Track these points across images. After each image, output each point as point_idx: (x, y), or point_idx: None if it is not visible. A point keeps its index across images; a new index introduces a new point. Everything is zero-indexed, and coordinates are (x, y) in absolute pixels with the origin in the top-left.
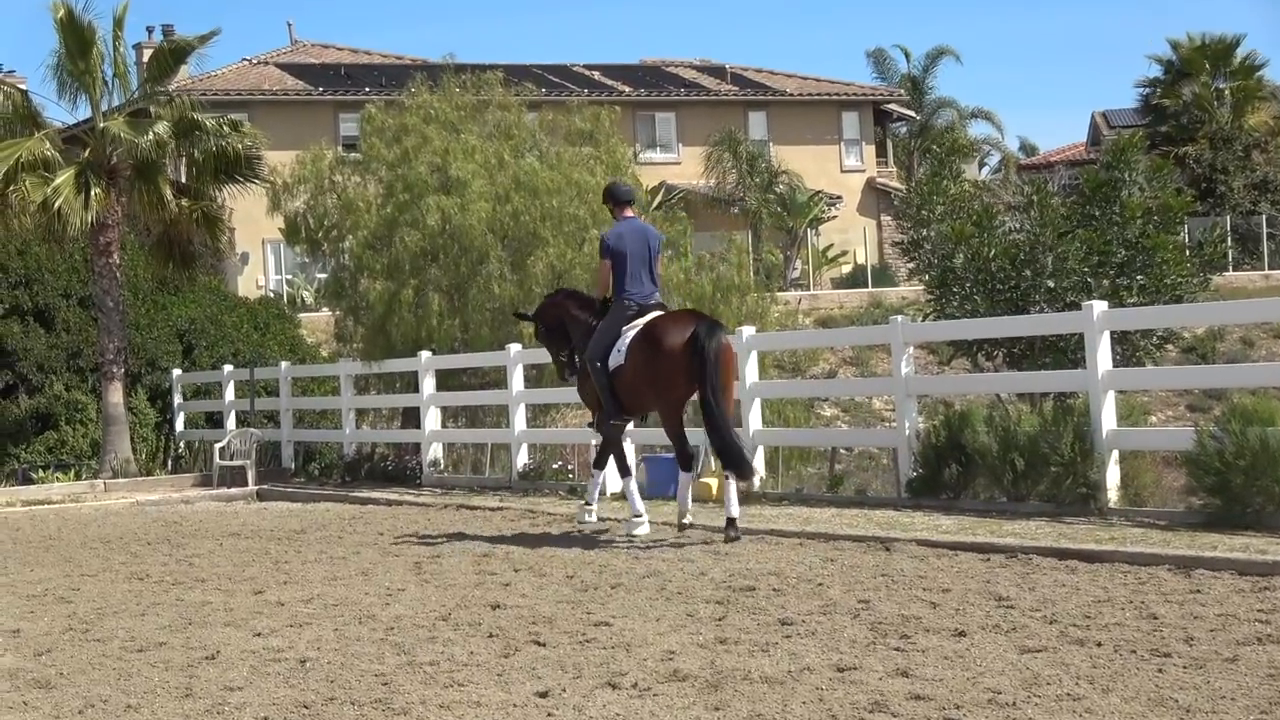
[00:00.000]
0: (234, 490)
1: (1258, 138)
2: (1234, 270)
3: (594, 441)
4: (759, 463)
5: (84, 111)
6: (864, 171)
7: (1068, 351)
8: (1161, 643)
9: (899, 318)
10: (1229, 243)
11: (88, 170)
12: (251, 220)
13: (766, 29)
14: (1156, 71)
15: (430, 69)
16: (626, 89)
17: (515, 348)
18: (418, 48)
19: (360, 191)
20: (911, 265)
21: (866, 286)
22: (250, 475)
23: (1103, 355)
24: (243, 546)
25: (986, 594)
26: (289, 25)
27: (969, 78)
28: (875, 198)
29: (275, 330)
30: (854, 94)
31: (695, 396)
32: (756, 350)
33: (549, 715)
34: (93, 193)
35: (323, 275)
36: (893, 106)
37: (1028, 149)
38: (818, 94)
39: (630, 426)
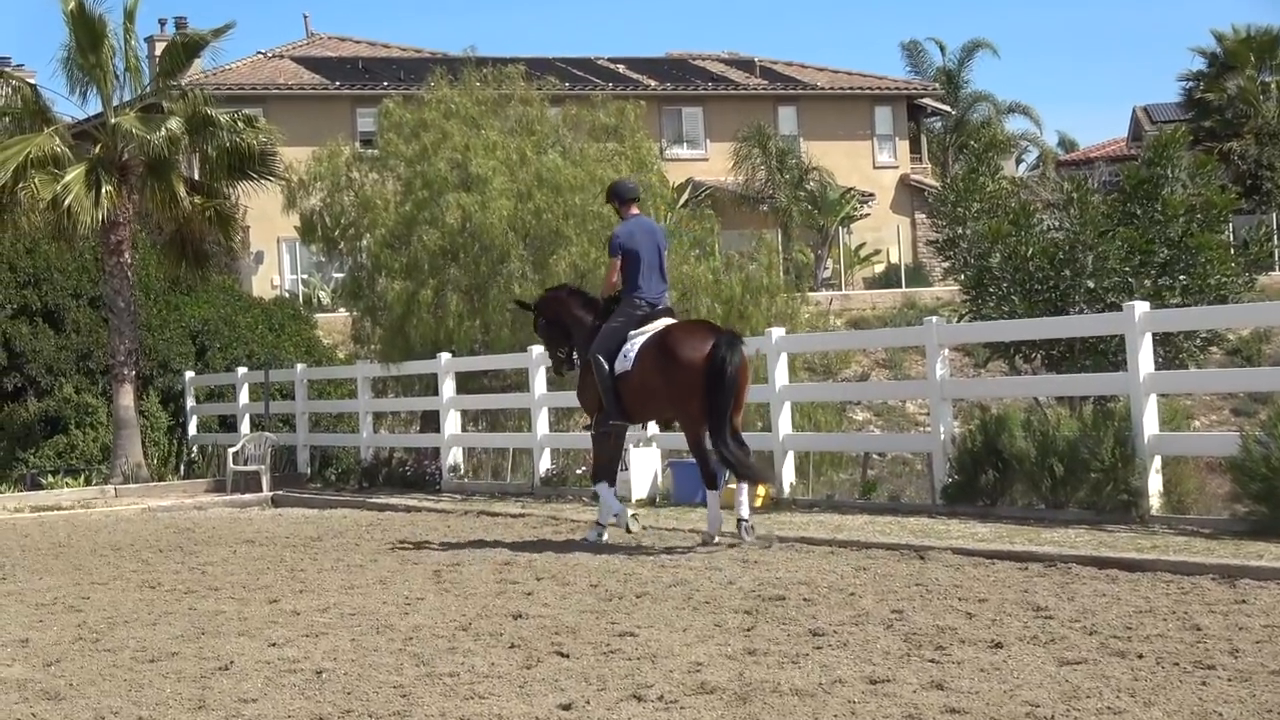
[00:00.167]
0: (248, 496)
1: None
2: None
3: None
4: (788, 468)
5: (94, 106)
6: (897, 168)
7: (1108, 354)
8: (1205, 655)
9: (934, 319)
10: (1275, 241)
11: (98, 167)
12: (266, 218)
13: (797, 21)
14: (1200, 64)
15: (450, 62)
16: (652, 83)
17: (537, 349)
18: (437, 41)
19: (378, 189)
20: (946, 265)
21: (900, 287)
22: (265, 481)
23: (1144, 358)
24: (257, 554)
25: (1024, 604)
26: (305, 18)
27: (1006, 71)
28: (909, 195)
29: (291, 331)
30: (887, 88)
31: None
32: (786, 352)
33: None
34: (103, 190)
35: (339, 275)
36: (927, 101)
37: (1067, 145)
38: (850, 88)
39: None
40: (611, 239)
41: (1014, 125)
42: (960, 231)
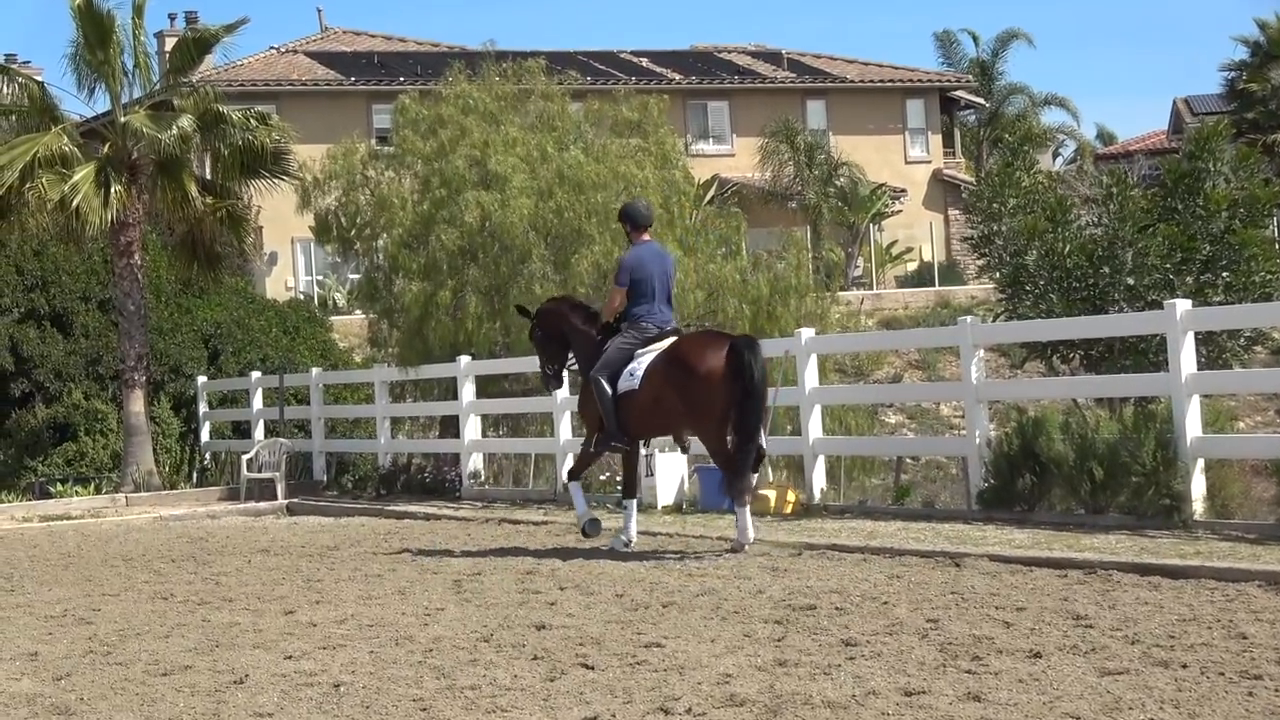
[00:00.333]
0: (263, 504)
1: None
2: None
3: (644, 452)
4: (819, 473)
5: (103, 104)
6: (930, 163)
7: (1149, 354)
8: (1251, 664)
9: (968, 318)
10: None
11: (108, 166)
12: (280, 218)
13: (825, 11)
14: (1242, 54)
15: (468, 57)
16: (677, 76)
17: None
18: (455, 34)
19: (395, 187)
20: (981, 262)
21: (933, 285)
22: (280, 488)
23: (1186, 357)
24: (272, 564)
25: (1063, 612)
26: (319, 11)
27: (1042, 62)
28: (942, 190)
29: (305, 334)
30: (919, 80)
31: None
32: (816, 354)
33: None
34: (113, 190)
35: (355, 276)
36: (960, 93)
37: (1105, 138)
38: (880, 80)
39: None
40: (620, 266)
41: (1050, 118)
42: (995, 228)
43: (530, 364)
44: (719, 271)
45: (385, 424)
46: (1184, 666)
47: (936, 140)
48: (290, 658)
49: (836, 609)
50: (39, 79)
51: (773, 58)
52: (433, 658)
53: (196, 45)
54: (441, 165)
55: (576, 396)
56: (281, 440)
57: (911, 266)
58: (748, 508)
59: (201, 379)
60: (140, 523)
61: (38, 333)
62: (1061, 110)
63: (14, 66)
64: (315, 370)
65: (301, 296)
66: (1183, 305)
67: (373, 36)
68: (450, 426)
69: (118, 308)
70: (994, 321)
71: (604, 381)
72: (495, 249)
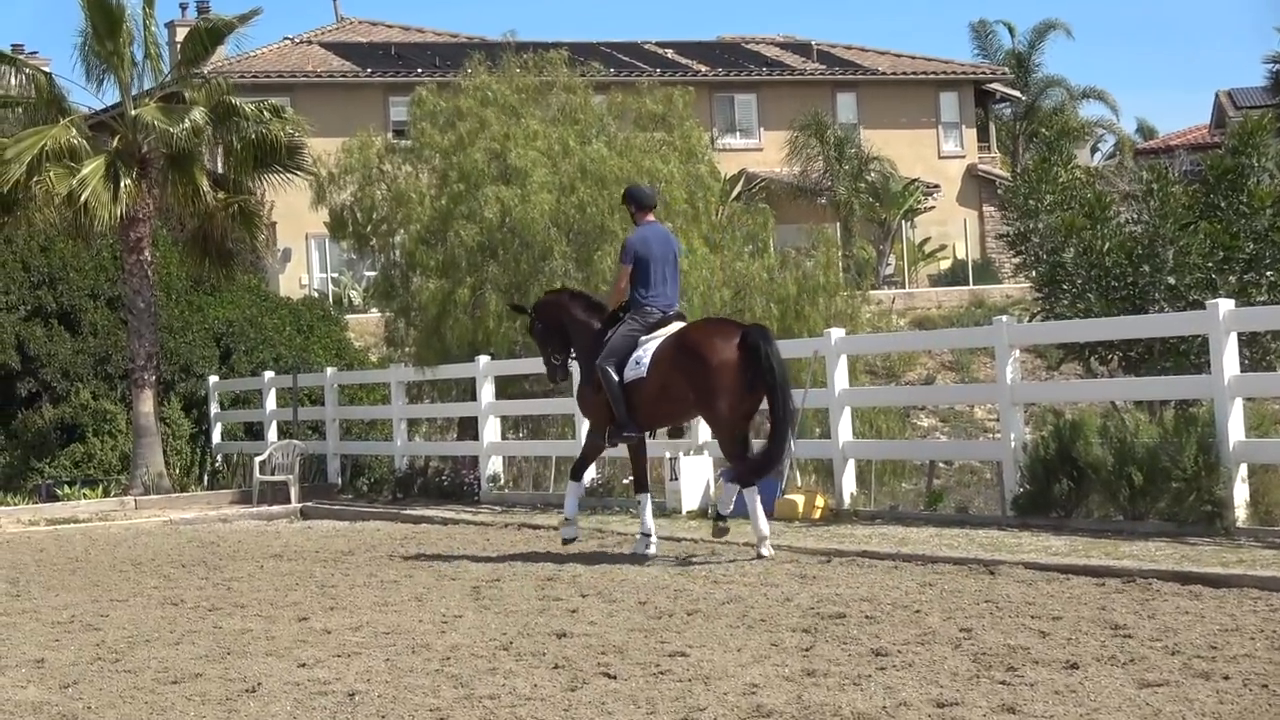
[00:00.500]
0: (275, 508)
1: None
2: None
3: (668, 455)
4: (849, 477)
5: (112, 96)
6: (964, 157)
7: (1190, 355)
8: None
9: (1003, 318)
10: None
11: (117, 160)
12: (294, 214)
13: (856, 1)
14: None
15: (488, 48)
16: (703, 68)
17: None
18: (474, 25)
19: (412, 182)
20: (1017, 260)
21: (967, 284)
22: (293, 491)
23: (1229, 359)
24: (285, 569)
25: (1101, 622)
26: (334, 1)
27: (1080, 54)
28: (977, 186)
29: (320, 333)
30: (953, 72)
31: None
32: (846, 354)
33: None
34: (122, 184)
35: (371, 273)
36: (996, 86)
37: (1145, 132)
38: (913, 72)
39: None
40: (624, 245)
41: (1089, 111)
42: (1032, 225)
43: None
44: (746, 269)
45: (402, 425)
46: (1226, 678)
47: (971, 134)
48: (304, 666)
49: (867, 617)
50: (46, 70)
51: (802, 49)
52: (450, 666)
53: (209, 35)
54: (460, 159)
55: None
56: (295, 442)
57: (945, 264)
58: (759, 499)
59: (213, 379)
60: (150, 526)
61: (45, 331)
62: (1100, 103)
63: (21, 57)
64: (330, 370)
65: (316, 294)
66: (1225, 305)
67: (389, 27)
68: (469, 428)
69: (127, 305)
70: (1030, 321)
71: (611, 370)
72: (515, 245)
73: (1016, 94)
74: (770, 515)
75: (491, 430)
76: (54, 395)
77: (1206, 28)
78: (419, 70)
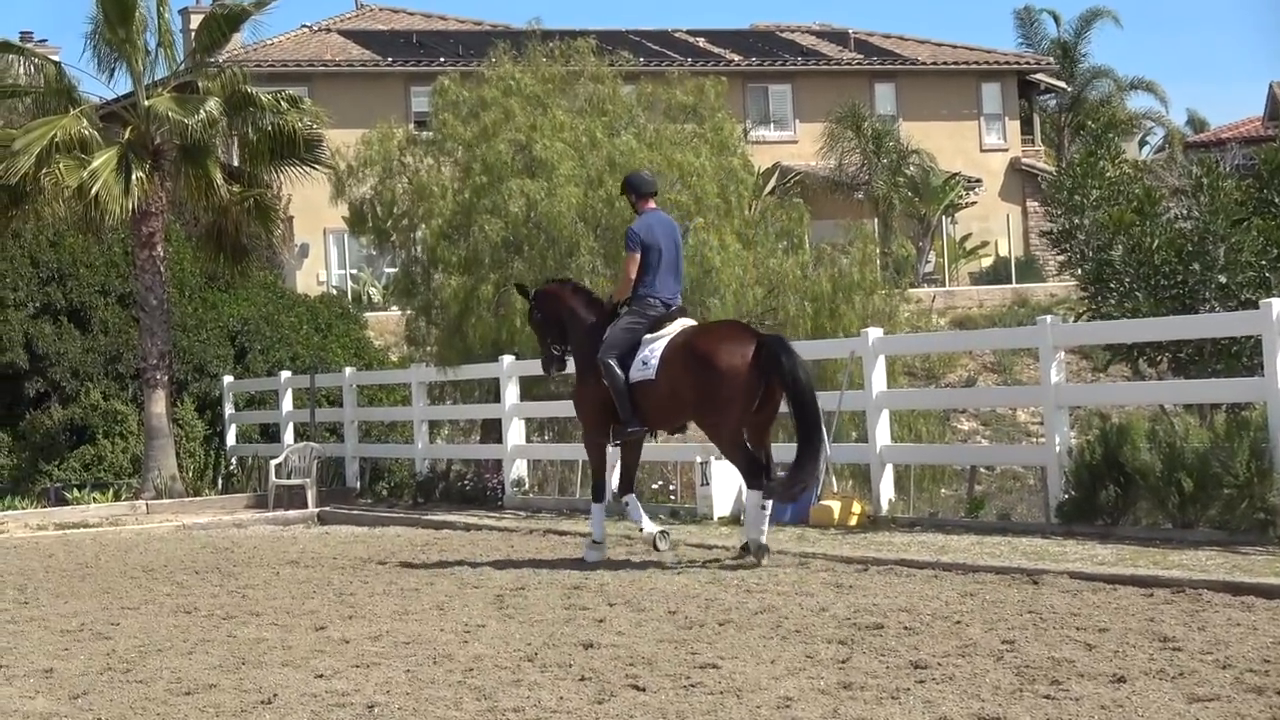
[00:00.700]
0: (292, 513)
1: None
2: None
3: (699, 459)
4: (887, 483)
5: (124, 85)
6: (1007, 151)
7: (1242, 356)
8: None
9: (1048, 318)
10: None
11: (129, 151)
12: (312, 208)
13: None
14: None
15: (513, 36)
16: (735, 58)
17: None
18: (499, 12)
19: (434, 175)
20: (1062, 258)
21: (1010, 282)
22: (310, 496)
23: None
24: (302, 576)
25: (1149, 634)
26: None
27: (1128, 43)
28: (1020, 181)
29: (338, 332)
30: (996, 62)
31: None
32: (884, 355)
33: None
34: (134, 177)
35: (392, 269)
36: (1040, 77)
37: (1196, 124)
38: (954, 62)
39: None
40: (629, 233)
41: (1137, 103)
42: (1077, 221)
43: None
44: (779, 266)
45: (423, 428)
46: (1279, 693)
47: (1014, 127)
48: (321, 676)
49: (905, 629)
50: (55, 59)
51: (839, 38)
52: (473, 678)
53: (224, 22)
54: (484, 151)
55: None
56: (312, 444)
57: (987, 262)
58: (769, 511)
59: (227, 379)
60: (162, 531)
61: (54, 329)
62: (1149, 95)
63: (29, 45)
64: (348, 370)
65: (334, 291)
66: (1279, 304)
67: (411, 14)
68: (492, 431)
69: (139, 302)
70: (1075, 321)
71: (614, 364)
72: (541, 241)
73: (1062, 85)
74: (805, 522)
75: (516, 433)
76: (63, 395)
77: (1260, 16)
78: (441, 59)
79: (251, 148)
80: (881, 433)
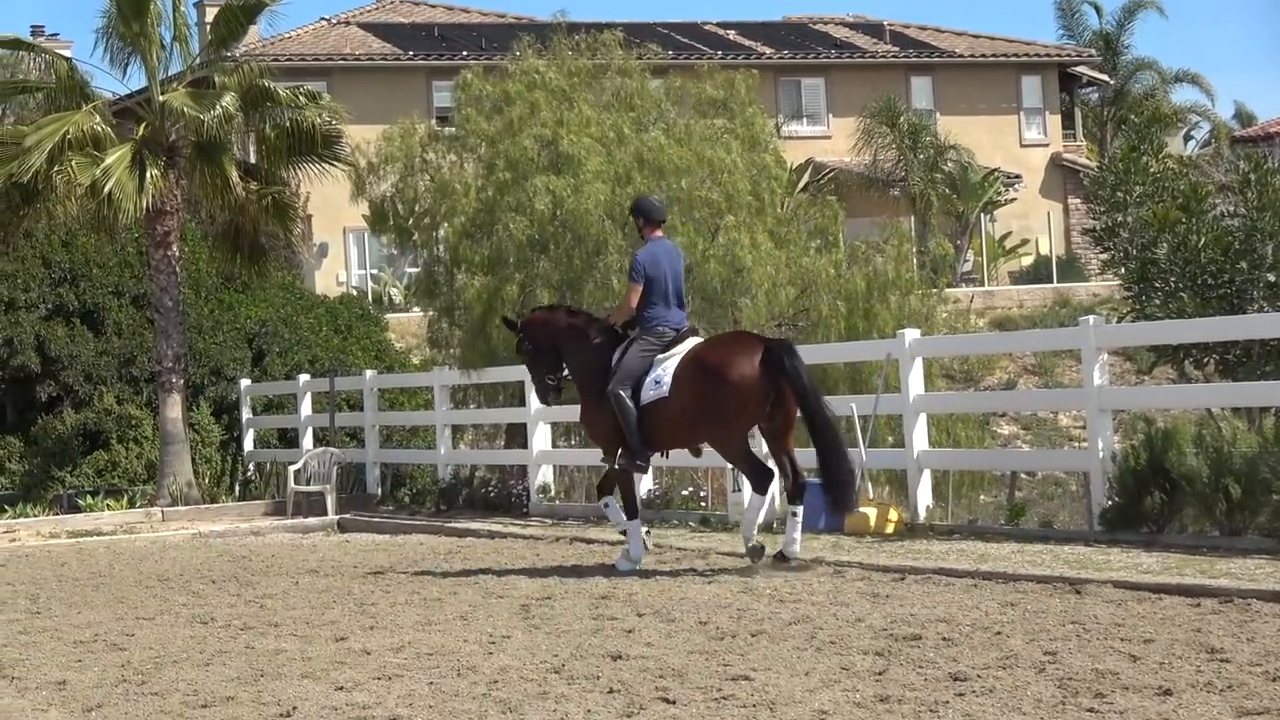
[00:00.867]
0: (311, 520)
1: None
2: None
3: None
4: (924, 489)
5: (138, 80)
6: (1048, 146)
7: None
8: None
9: (1091, 318)
10: None
11: (143, 148)
12: (331, 206)
13: None
14: None
15: (538, 29)
16: (767, 50)
17: None
18: (523, 4)
19: (456, 172)
20: (1105, 256)
21: (1051, 282)
22: (330, 502)
23: None
24: (322, 586)
25: (1196, 645)
26: None
27: (1173, 34)
28: (1061, 177)
29: (359, 333)
30: (1036, 54)
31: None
32: (921, 357)
33: None
34: (149, 174)
35: (413, 269)
36: (1082, 69)
37: (1243, 118)
38: (993, 55)
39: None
40: (634, 263)
41: (1182, 96)
42: (1120, 218)
43: None
44: (813, 265)
45: (446, 432)
46: None
47: (1055, 121)
48: (342, 689)
49: (944, 639)
50: (67, 54)
51: (873, 30)
52: (498, 690)
53: (241, 14)
54: (508, 147)
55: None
56: (332, 450)
57: (1027, 261)
58: (763, 510)
59: (245, 382)
60: (177, 539)
61: (66, 331)
62: (1194, 88)
63: (40, 41)
64: (369, 373)
65: (354, 292)
66: None
67: (433, 7)
68: (517, 435)
69: (153, 304)
70: (1119, 322)
71: (625, 396)
72: (568, 240)
73: (1104, 78)
74: (840, 530)
75: (541, 438)
76: (76, 399)
77: None
78: (464, 53)
79: (269, 144)
80: (919, 437)
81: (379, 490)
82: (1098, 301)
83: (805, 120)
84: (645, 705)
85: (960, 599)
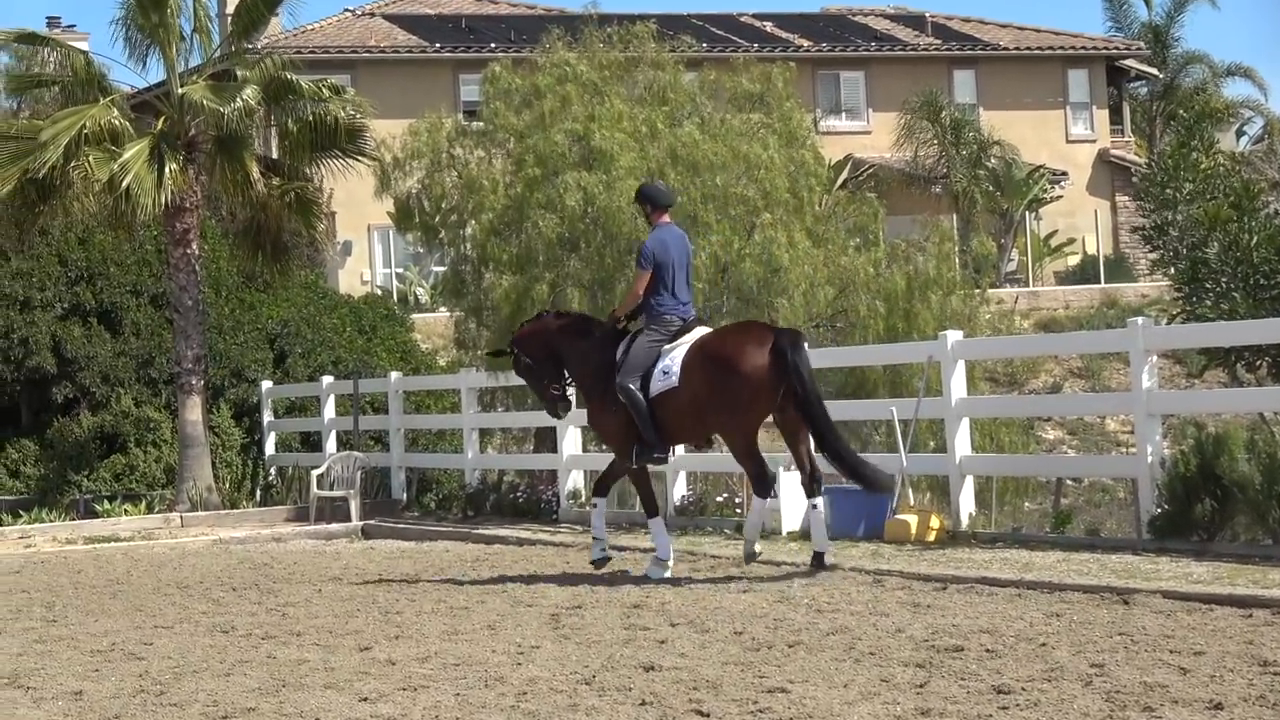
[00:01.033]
0: (334, 526)
1: None
2: None
3: None
4: (967, 496)
5: (157, 73)
6: (1095, 142)
7: None
8: None
9: (1139, 320)
10: None
11: (162, 143)
12: (355, 203)
13: None
14: None
15: (568, 20)
16: (805, 43)
17: None
18: None
19: (484, 167)
20: (1154, 256)
21: (1098, 282)
22: (354, 508)
23: None
24: (345, 594)
25: (1248, 658)
26: None
27: (1225, 26)
28: (1109, 174)
29: (384, 334)
30: (1083, 47)
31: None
32: (964, 360)
33: None
34: (167, 169)
35: (440, 268)
36: (1130, 62)
37: None
38: (1038, 47)
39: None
40: (641, 249)
41: (1234, 90)
42: (1170, 217)
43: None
44: (851, 264)
45: (473, 436)
46: None
47: (1103, 116)
48: (366, 700)
49: (987, 651)
50: (84, 46)
51: (915, 21)
52: (527, 702)
53: (263, 5)
54: (537, 142)
55: None
56: (356, 454)
57: (1073, 260)
58: (823, 512)
59: (266, 384)
60: (197, 546)
61: (83, 331)
62: (1247, 81)
63: (56, 34)
64: (394, 375)
65: (379, 291)
66: None
67: None
68: (546, 439)
69: (173, 303)
70: (1168, 324)
71: (634, 388)
72: (599, 238)
73: (1153, 71)
74: (880, 537)
75: (572, 442)
76: (93, 402)
77: None
78: (492, 45)
79: (291, 139)
80: (961, 442)
81: (404, 495)
82: (1146, 302)
83: (844, 115)
84: (678, 718)
85: (1004, 609)
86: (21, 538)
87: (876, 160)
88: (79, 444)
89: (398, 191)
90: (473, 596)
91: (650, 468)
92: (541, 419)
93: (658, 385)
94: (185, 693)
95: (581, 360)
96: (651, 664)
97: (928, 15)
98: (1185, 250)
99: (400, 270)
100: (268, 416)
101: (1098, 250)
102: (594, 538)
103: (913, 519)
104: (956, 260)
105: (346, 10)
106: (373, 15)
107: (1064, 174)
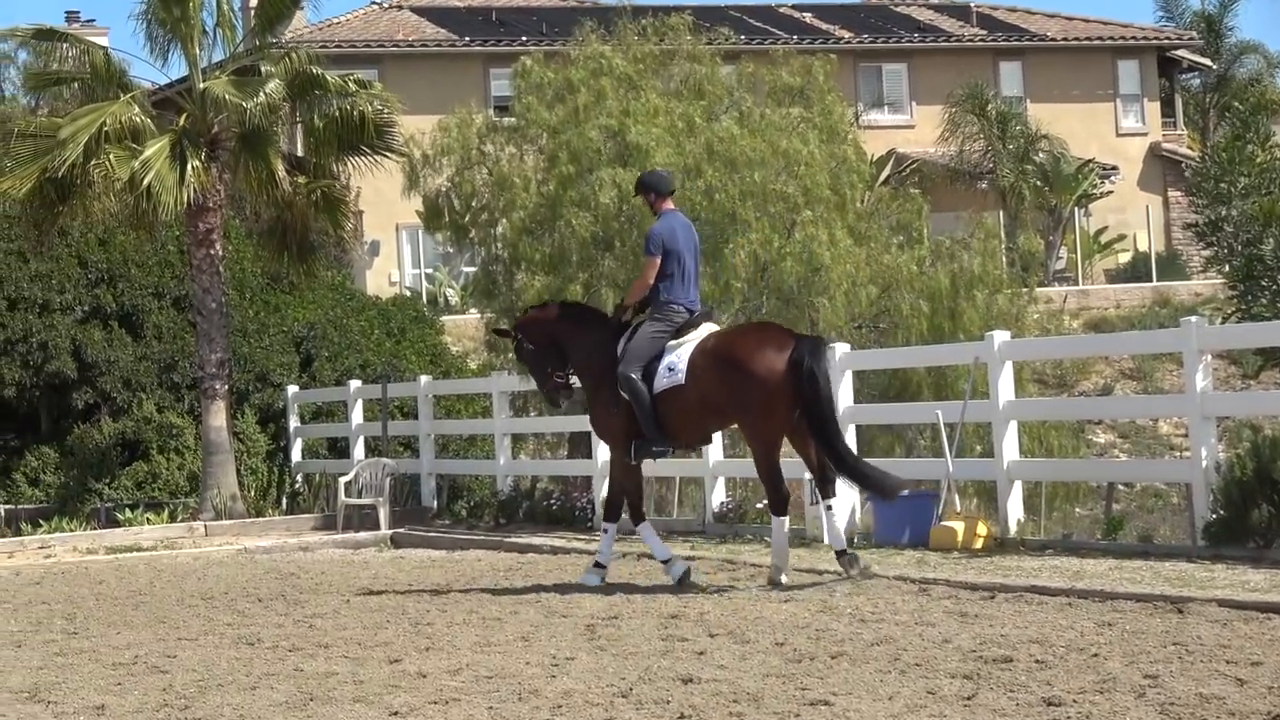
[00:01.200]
0: (363, 535)
1: None
2: None
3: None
4: (1015, 502)
5: (179, 69)
6: (1146, 135)
7: None
8: None
9: (1193, 319)
10: None
11: (184, 140)
12: (383, 201)
13: None
14: None
15: (601, 12)
16: (846, 34)
17: None
18: None
19: (516, 164)
20: (1208, 253)
21: (1150, 280)
22: (383, 516)
23: None
24: (374, 604)
25: None
26: None
27: None
28: (1161, 168)
29: (413, 337)
30: (1133, 38)
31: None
32: (1011, 361)
33: None
34: (190, 166)
35: (470, 268)
36: (1182, 53)
37: None
38: (1087, 38)
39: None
40: (650, 236)
41: None
42: (1224, 212)
43: None
44: (894, 262)
45: (505, 442)
46: None
47: (1154, 109)
48: (396, 714)
49: (1037, 662)
50: (103, 42)
51: (960, 12)
52: (561, 715)
53: None
54: (571, 137)
55: None
56: (385, 460)
57: (1124, 258)
58: (835, 512)
59: (292, 389)
60: (221, 555)
61: (104, 334)
62: None
63: (75, 29)
64: (424, 379)
65: (408, 292)
66: None
67: None
68: (581, 445)
69: (196, 306)
70: (1223, 323)
71: (636, 377)
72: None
73: (1206, 62)
74: (925, 545)
75: (606, 447)
76: (114, 407)
77: None
78: (524, 38)
79: (317, 135)
80: (1009, 446)
81: (434, 503)
82: (1200, 301)
83: (887, 109)
84: None
85: (1054, 619)
86: (41, 548)
87: (920, 155)
88: (100, 451)
89: (427, 189)
90: (506, 607)
91: (648, 466)
92: (575, 423)
93: (664, 382)
94: (210, 707)
95: (584, 351)
96: (690, 676)
97: (972, 5)
98: (1240, 247)
99: (429, 271)
100: (294, 422)
101: (1149, 247)
102: (596, 563)
103: (959, 526)
104: (1003, 258)
105: (373, 3)
106: (400, 8)
107: (1114, 168)
